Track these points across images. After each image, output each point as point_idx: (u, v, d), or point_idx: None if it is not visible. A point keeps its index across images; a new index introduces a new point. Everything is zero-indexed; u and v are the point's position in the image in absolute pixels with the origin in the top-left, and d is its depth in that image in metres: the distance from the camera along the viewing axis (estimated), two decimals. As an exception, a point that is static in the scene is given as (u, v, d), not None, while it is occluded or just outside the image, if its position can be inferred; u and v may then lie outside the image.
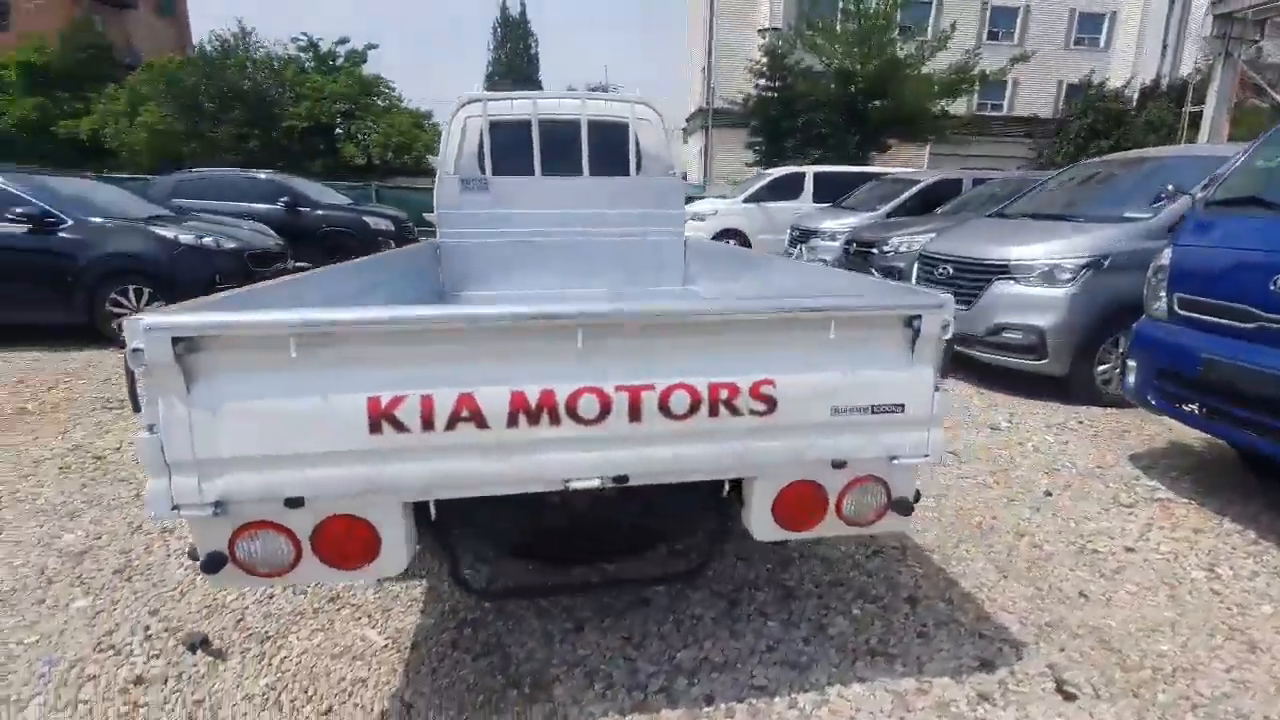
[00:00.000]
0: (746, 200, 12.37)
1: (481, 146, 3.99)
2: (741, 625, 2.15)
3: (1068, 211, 5.17)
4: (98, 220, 6.10)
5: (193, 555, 1.46)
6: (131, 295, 5.99)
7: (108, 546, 2.63)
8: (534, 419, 1.43)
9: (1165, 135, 17.43)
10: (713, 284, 3.81)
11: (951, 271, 5.11)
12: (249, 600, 2.27)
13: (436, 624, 2.15)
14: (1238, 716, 1.82)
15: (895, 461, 1.64)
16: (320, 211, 10.37)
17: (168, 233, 6.27)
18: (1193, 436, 3.86)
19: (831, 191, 11.28)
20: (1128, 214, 4.60)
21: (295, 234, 9.00)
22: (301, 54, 22.43)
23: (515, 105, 4.01)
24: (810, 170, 12.62)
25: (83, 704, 1.82)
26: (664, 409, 1.48)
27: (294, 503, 1.41)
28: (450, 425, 1.40)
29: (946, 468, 3.47)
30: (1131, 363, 3.33)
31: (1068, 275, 4.45)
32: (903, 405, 1.60)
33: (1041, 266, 4.55)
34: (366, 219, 10.80)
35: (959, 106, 20.09)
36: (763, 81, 18.59)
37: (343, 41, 22.78)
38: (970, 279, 4.92)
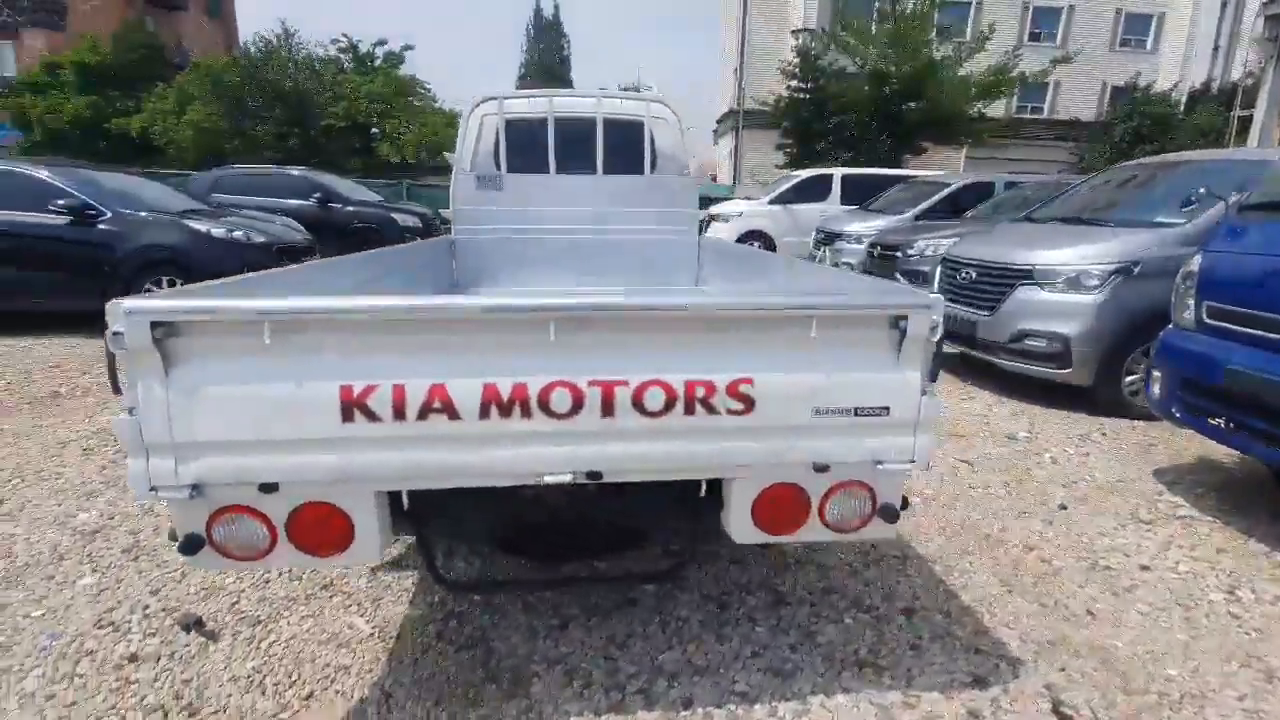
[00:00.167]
0: (772, 202, 12.24)
1: (497, 144, 4.02)
2: (729, 629, 2.12)
3: (1099, 216, 4.99)
4: (135, 213, 6.33)
5: (172, 537, 1.49)
6: (165, 285, 6.18)
7: (119, 527, 2.72)
8: (506, 411, 1.43)
9: (1214, 140, 16.76)
10: (725, 284, 3.77)
11: (974, 276, 4.98)
12: (246, 584, 2.32)
13: (424, 615, 2.16)
14: (1247, 747, 1.73)
15: (880, 466, 1.60)
16: (351, 207, 10.66)
17: (201, 226, 6.48)
18: (1222, 453, 3.68)
19: (859, 194, 11.10)
20: (1161, 219, 4.42)
21: (327, 229, 9.30)
22: (341, 55, 22.95)
23: (531, 104, 4.04)
24: (838, 172, 12.42)
25: (78, 678, 1.88)
26: (638, 405, 1.46)
27: (268, 488, 1.43)
28: (422, 415, 1.40)
29: (957, 477, 3.38)
30: (1156, 374, 3.19)
31: (1095, 281, 4.30)
32: (888, 408, 1.55)
33: (1068, 272, 4.40)
34: (395, 215, 11.12)
35: (997, 109, 19.58)
36: (795, 83, 18.38)
37: (381, 43, 23.24)
38: (993, 284, 4.79)
